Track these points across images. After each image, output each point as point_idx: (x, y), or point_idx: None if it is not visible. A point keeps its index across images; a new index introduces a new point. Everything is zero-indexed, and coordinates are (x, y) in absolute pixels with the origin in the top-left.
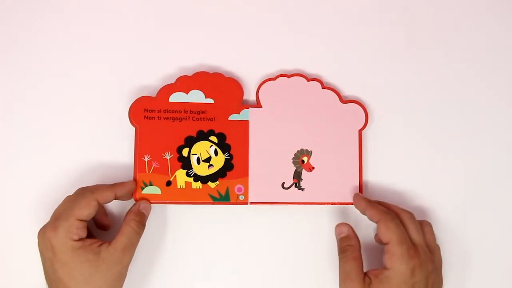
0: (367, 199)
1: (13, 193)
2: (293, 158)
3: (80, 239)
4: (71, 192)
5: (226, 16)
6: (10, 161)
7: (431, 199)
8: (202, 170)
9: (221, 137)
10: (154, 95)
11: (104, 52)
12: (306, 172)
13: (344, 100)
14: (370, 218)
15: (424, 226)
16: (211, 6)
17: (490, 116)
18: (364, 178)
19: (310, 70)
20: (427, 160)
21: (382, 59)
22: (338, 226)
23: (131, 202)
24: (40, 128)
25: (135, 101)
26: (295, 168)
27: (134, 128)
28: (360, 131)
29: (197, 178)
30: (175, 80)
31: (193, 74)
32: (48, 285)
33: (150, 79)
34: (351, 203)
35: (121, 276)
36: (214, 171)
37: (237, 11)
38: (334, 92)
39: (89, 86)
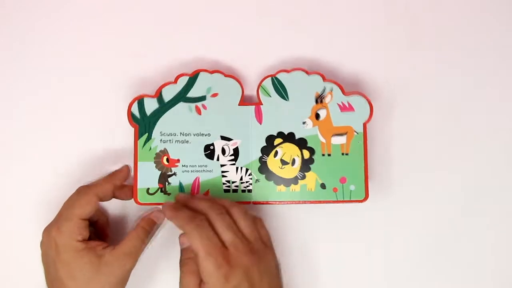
0: (173, 207)
1: (14, 193)
2: None
3: (84, 240)
4: (72, 192)
5: (226, 12)
6: (11, 161)
7: (437, 197)
8: None
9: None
10: (153, 93)
11: (104, 50)
12: None
13: (347, 92)
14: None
15: (234, 213)
16: (211, 2)
17: (490, 115)
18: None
19: (309, 68)
20: (426, 158)
21: (383, 57)
22: (180, 236)
23: (132, 203)
24: (40, 128)
25: (133, 100)
26: None
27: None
28: (365, 124)
29: None
30: (174, 78)
31: (193, 72)
32: (49, 286)
33: (150, 76)
34: (354, 201)
35: (123, 281)
36: None
37: (237, 7)
38: (337, 85)
39: (90, 84)
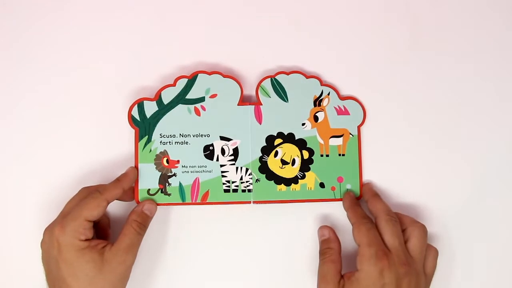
0: (353, 201)
1: (15, 193)
2: None
3: (87, 240)
4: (73, 193)
5: (226, 13)
6: (11, 162)
7: (429, 197)
8: None
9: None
10: (153, 95)
11: (104, 53)
12: None
13: (342, 97)
14: (349, 220)
15: (413, 230)
16: (210, 3)
17: (490, 116)
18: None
19: (310, 68)
20: (426, 159)
21: (383, 58)
22: (321, 228)
23: (133, 204)
24: (40, 129)
25: (133, 103)
26: None
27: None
28: (359, 127)
29: None
30: (173, 80)
31: (191, 74)
32: (50, 285)
33: (150, 78)
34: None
35: (124, 277)
36: None
37: (237, 8)
38: (333, 89)
39: (90, 86)
